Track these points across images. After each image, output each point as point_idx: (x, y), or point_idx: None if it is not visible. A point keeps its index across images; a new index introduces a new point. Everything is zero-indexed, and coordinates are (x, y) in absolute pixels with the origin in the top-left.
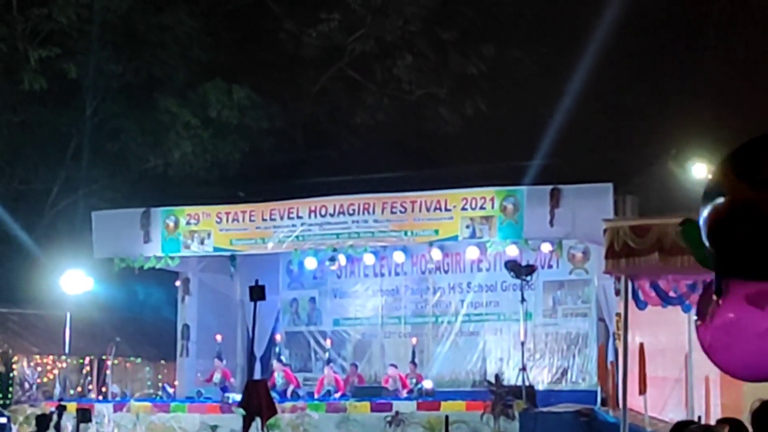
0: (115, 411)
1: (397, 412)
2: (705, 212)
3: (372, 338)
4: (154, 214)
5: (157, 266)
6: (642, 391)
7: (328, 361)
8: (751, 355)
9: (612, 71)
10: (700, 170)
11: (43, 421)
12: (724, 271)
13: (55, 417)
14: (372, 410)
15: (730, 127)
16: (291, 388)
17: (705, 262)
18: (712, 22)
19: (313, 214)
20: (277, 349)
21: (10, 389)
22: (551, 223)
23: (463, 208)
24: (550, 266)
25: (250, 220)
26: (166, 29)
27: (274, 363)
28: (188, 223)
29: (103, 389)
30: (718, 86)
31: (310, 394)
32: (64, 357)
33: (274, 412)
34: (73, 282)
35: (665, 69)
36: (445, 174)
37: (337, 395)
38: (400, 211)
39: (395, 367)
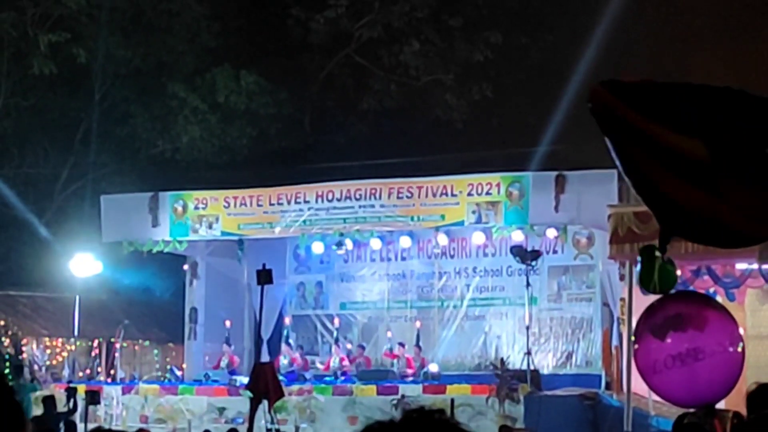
0: (123, 393)
1: (403, 395)
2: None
3: (378, 322)
4: (162, 198)
5: (166, 250)
6: None
7: (336, 341)
8: (669, 383)
9: (617, 57)
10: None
11: (50, 402)
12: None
13: (64, 399)
14: (378, 393)
15: None
16: (296, 368)
17: (647, 285)
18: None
19: (320, 199)
20: (285, 332)
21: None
22: (556, 209)
23: (469, 194)
24: (555, 251)
25: (258, 205)
26: (174, 15)
27: (283, 346)
28: (196, 208)
29: (112, 371)
30: (727, 72)
31: (317, 377)
32: (73, 339)
33: (281, 394)
34: (82, 265)
35: (672, 55)
36: (451, 160)
37: (346, 368)
38: (407, 197)
39: (403, 346)
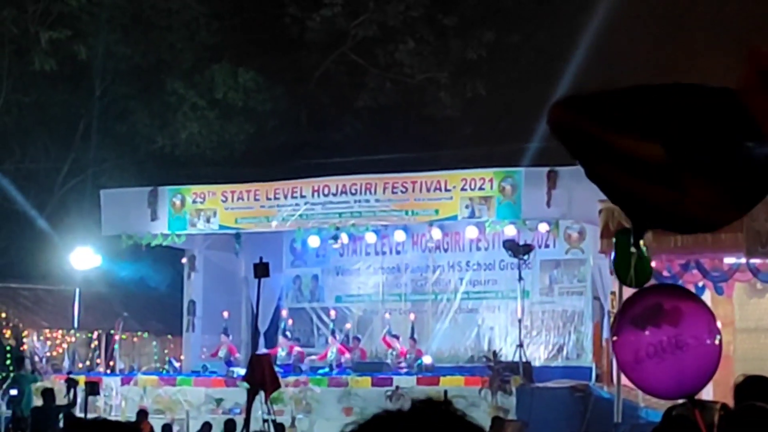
0: (122, 384)
1: (397, 387)
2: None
3: (373, 315)
4: (161, 192)
5: (164, 243)
6: None
7: (333, 332)
8: (649, 375)
9: (608, 57)
10: None
11: (49, 395)
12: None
13: (64, 389)
14: (373, 385)
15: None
16: (293, 359)
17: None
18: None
19: (316, 194)
20: (282, 325)
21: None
22: (548, 204)
23: (463, 189)
24: (546, 246)
25: (255, 199)
26: (173, 13)
27: (280, 338)
28: (194, 202)
29: (111, 363)
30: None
31: (313, 369)
32: (73, 331)
33: (278, 385)
34: (82, 258)
35: (663, 56)
36: (445, 156)
37: (342, 360)
38: (401, 191)
39: (397, 338)
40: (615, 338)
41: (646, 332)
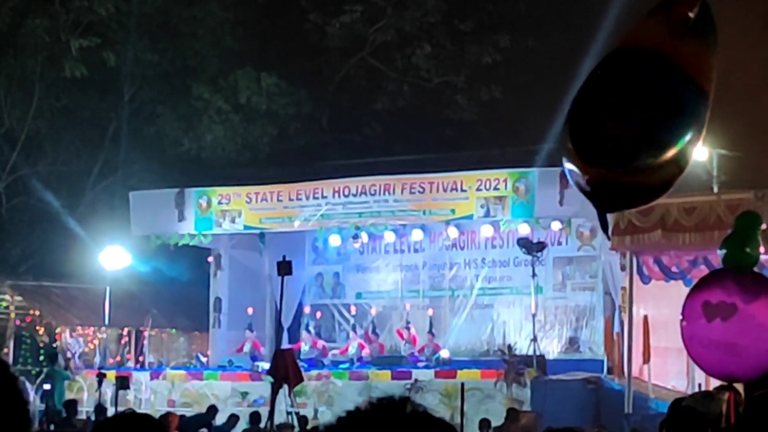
0: (151, 379)
1: (416, 380)
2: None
3: (392, 310)
4: (188, 194)
5: (191, 243)
6: (646, 360)
7: (354, 328)
8: (756, 363)
9: None
10: (701, 153)
11: (71, 407)
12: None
13: (95, 384)
14: (392, 378)
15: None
16: (318, 353)
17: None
18: None
19: (337, 194)
20: (305, 321)
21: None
22: (561, 203)
23: (478, 189)
24: (559, 243)
25: (278, 200)
26: (199, 21)
27: (303, 333)
28: (220, 203)
29: (141, 358)
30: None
31: (335, 363)
32: (104, 328)
33: (301, 379)
34: (112, 258)
35: None
36: (461, 157)
37: (363, 354)
38: (419, 192)
39: (408, 329)
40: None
41: (713, 324)
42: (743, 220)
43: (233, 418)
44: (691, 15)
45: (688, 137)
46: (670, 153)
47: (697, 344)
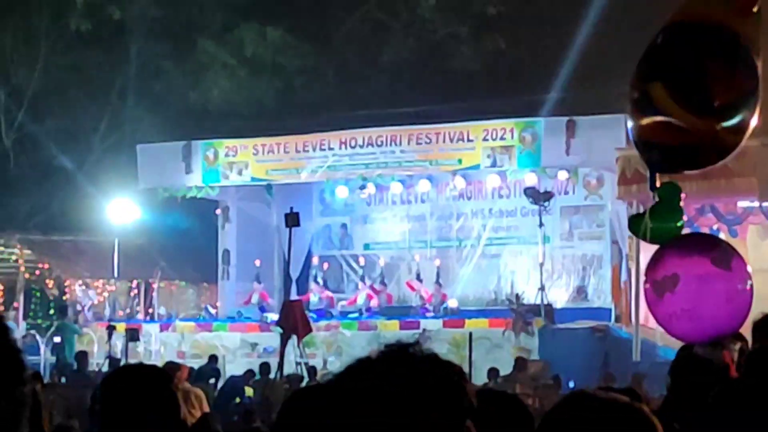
0: (161, 330)
1: (424, 330)
2: (644, 125)
3: (400, 261)
4: (195, 146)
5: (199, 195)
6: None
7: (362, 278)
8: (717, 320)
9: (627, 9)
10: None
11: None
12: (658, 168)
13: (106, 336)
14: (401, 328)
15: None
16: (326, 304)
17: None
18: None
19: (343, 146)
20: (313, 272)
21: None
22: (567, 153)
23: (485, 139)
24: (566, 193)
25: (285, 152)
26: None
27: (312, 284)
28: (227, 155)
29: (150, 310)
30: None
31: (344, 314)
32: (113, 281)
33: (310, 330)
34: (120, 211)
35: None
36: (467, 107)
37: (371, 305)
38: (425, 142)
39: (420, 281)
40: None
41: (665, 299)
42: (665, 192)
43: (249, 373)
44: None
45: (755, 109)
46: (751, 119)
47: (664, 322)
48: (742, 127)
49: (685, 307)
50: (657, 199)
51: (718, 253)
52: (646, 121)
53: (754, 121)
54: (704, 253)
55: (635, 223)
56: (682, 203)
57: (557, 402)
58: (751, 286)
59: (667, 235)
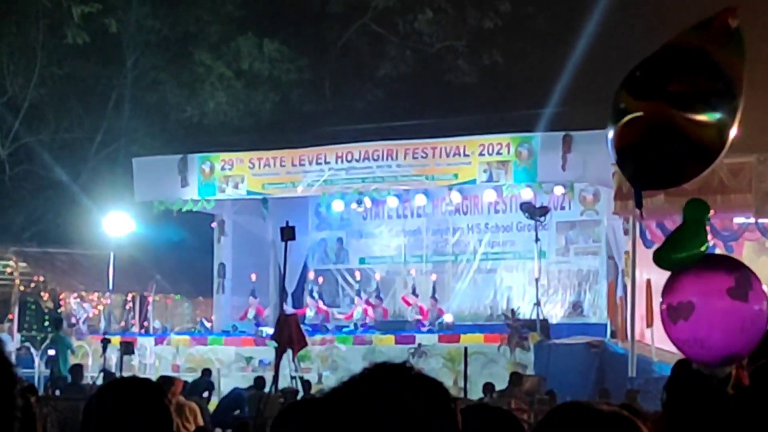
0: (156, 344)
1: (419, 344)
2: (615, 132)
3: (395, 275)
4: (190, 160)
5: (194, 209)
6: (649, 324)
7: (358, 293)
8: (729, 348)
9: (623, 26)
10: None
11: (77, 372)
12: (643, 185)
13: (100, 350)
14: (396, 342)
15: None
16: (322, 318)
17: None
18: None
19: (339, 160)
20: (308, 286)
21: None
22: (563, 168)
23: (481, 154)
24: (562, 208)
25: (281, 166)
26: None
27: (307, 298)
28: (223, 169)
29: (145, 324)
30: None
31: (339, 328)
32: (108, 294)
33: (305, 344)
34: (116, 224)
35: (678, 20)
36: (463, 122)
37: (367, 319)
38: (422, 157)
39: (416, 296)
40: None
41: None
42: (691, 211)
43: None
44: (732, 24)
45: (733, 121)
46: (730, 118)
47: (676, 344)
48: (709, 123)
49: (698, 337)
50: (681, 220)
51: (736, 282)
52: (613, 130)
53: (727, 124)
54: (722, 282)
55: (661, 258)
56: (708, 225)
57: (550, 410)
58: (766, 310)
59: (690, 262)
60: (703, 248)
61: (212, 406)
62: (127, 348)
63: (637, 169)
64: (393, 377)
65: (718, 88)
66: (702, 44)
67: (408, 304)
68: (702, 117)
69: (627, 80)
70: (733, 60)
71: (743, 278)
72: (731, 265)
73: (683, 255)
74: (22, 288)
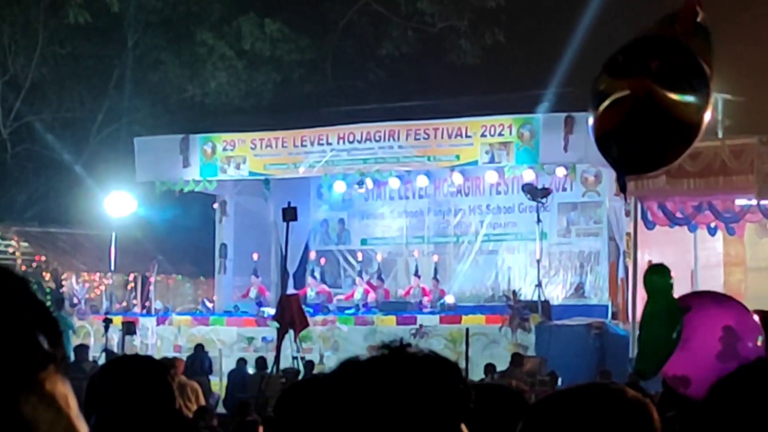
0: (158, 324)
1: (421, 325)
2: (597, 116)
3: (397, 257)
4: (192, 140)
5: (196, 189)
6: None
7: (359, 273)
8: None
9: (624, 6)
10: None
11: (82, 351)
12: (627, 169)
13: (102, 329)
14: (398, 323)
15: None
16: (323, 298)
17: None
18: None
19: (341, 141)
20: (310, 267)
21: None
22: (565, 149)
23: (483, 135)
24: (564, 189)
25: (283, 146)
26: None
27: (309, 279)
28: (225, 149)
29: (147, 304)
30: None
31: (341, 309)
32: (110, 274)
33: (306, 324)
34: (117, 204)
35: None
36: (465, 103)
37: (368, 300)
38: (424, 138)
39: (418, 278)
40: None
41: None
42: (651, 285)
43: (241, 362)
44: (698, 17)
45: (707, 104)
46: (705, 101)
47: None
48: (689, 103)
49: (698, 396)
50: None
51: (725, 347)
52: (593, 116)
53: (703, 106)
54: (711, 352)
55: (645, 373)
56: (679, 307)
57: (557, 390)
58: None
59: (664, 349)
60: (674, 335)
61: (215, 387)
62: (129, 328)
63: (620, 152)
64: (401, 356)
65: (695, 69)
66: (672, 34)
67: (409, 290)
68: (682, 96)
69: (607, 65)
70: (702, 48)
71: (732, 337)
72: (717, 331)
73: (662, 356)
74: (23, 268)
